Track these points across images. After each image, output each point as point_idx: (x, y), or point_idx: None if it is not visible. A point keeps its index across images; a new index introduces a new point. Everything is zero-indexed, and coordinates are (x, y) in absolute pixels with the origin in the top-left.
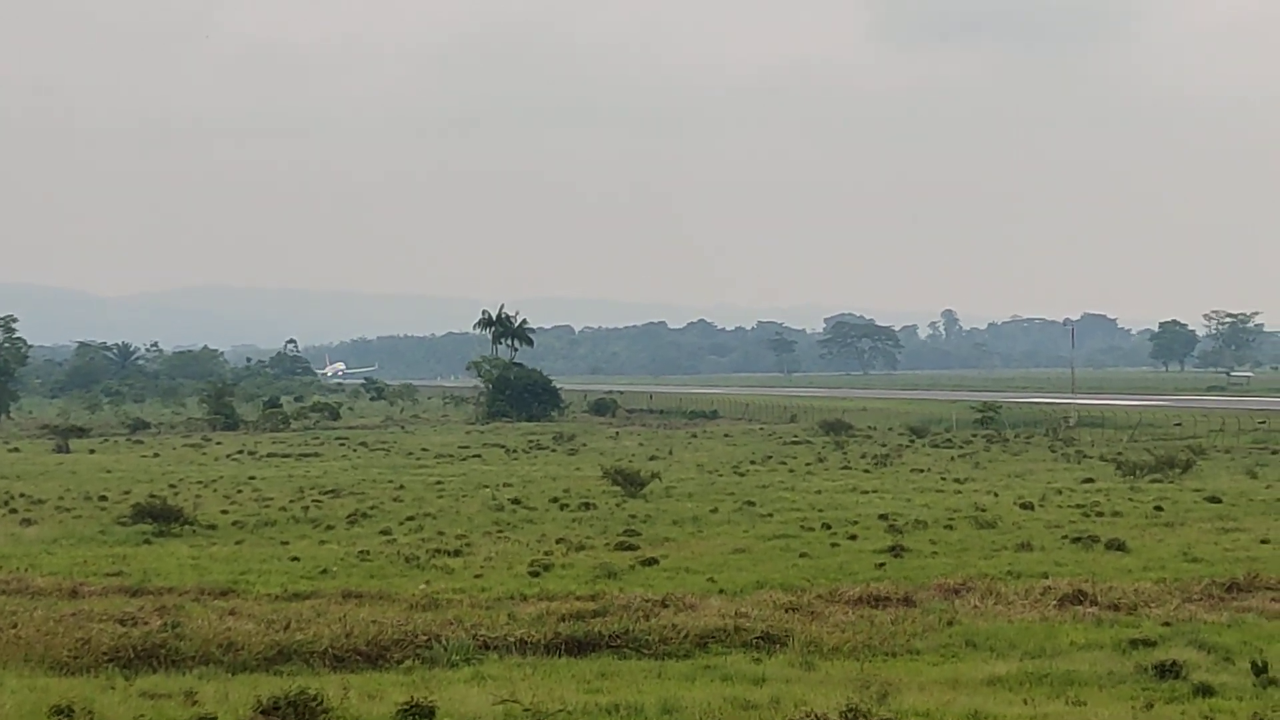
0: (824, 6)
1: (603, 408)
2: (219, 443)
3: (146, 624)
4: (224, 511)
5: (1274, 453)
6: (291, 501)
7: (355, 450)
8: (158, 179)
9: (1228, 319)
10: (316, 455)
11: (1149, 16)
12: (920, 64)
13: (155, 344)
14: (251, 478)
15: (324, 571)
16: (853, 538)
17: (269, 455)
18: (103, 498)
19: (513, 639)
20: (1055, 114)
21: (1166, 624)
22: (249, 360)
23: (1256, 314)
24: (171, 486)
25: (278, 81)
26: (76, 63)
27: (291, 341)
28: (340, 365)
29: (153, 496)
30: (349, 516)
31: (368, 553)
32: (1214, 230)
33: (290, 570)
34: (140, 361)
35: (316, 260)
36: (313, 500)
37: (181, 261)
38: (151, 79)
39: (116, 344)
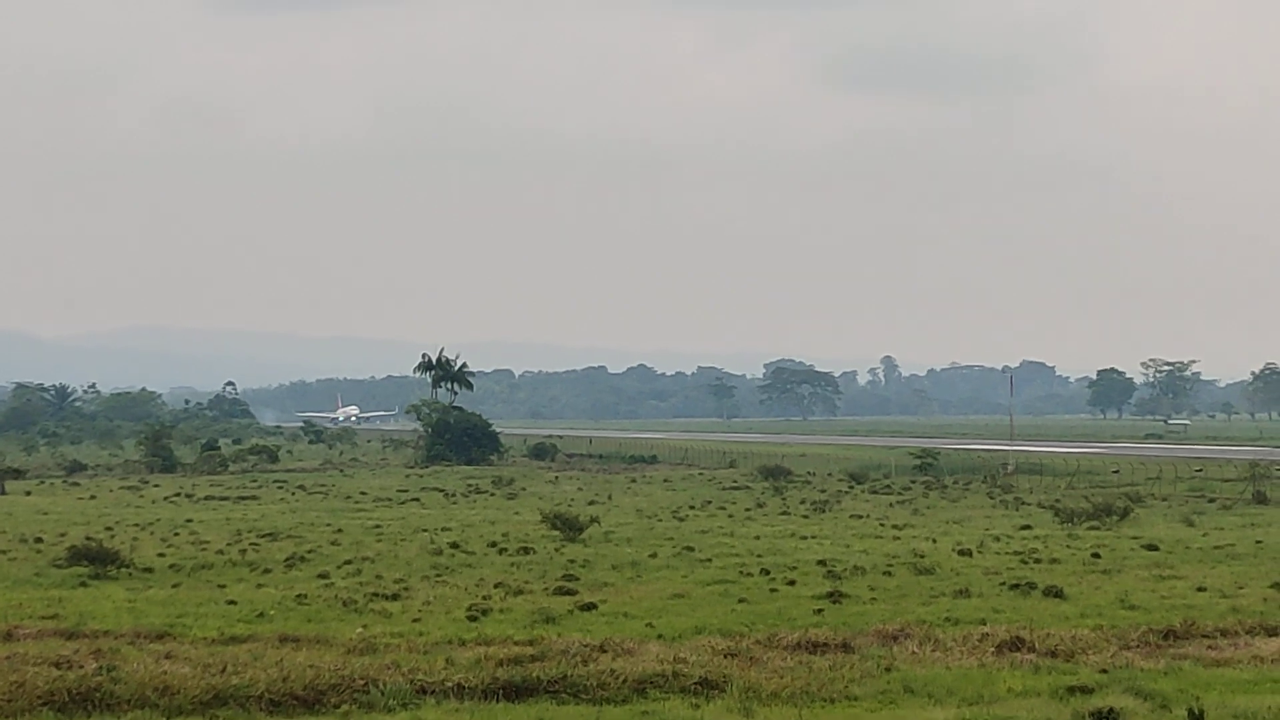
0: (758, 61)
1: (542, 452)
2: (156, 485)
3: (82, 667)
4: (161, 554)
5: (1211, 501)
6: (229, 545)
7: (293, 493)
8: (99, 220)
9: (1165, 367)
10: (254, 498)
11: (1092, 72)
12: (858, 114)
13: (93, 386)
14: (189, 520)
15: (261, 615)
16: (791, 583)
17: (206, 498)
18: (38, 540)
19: (450, 684)
20: (993, 164)
21: (1104, 671)
22: (187, 402)
23: (1193, 363)
24: (108, 529)
25: (213, 122)
26: (6, 101)
27: (230, 384)
28: (354, 409)
29: (89, 539)
30: (286, 560)
31: (305, 596)
32: (1151, 280)
33: (227, 614)
34: (78, 403)
35: (256, 302)
36: (250, 543)
37: (122, 304)
38: (84, 118)
39: (54, 385)
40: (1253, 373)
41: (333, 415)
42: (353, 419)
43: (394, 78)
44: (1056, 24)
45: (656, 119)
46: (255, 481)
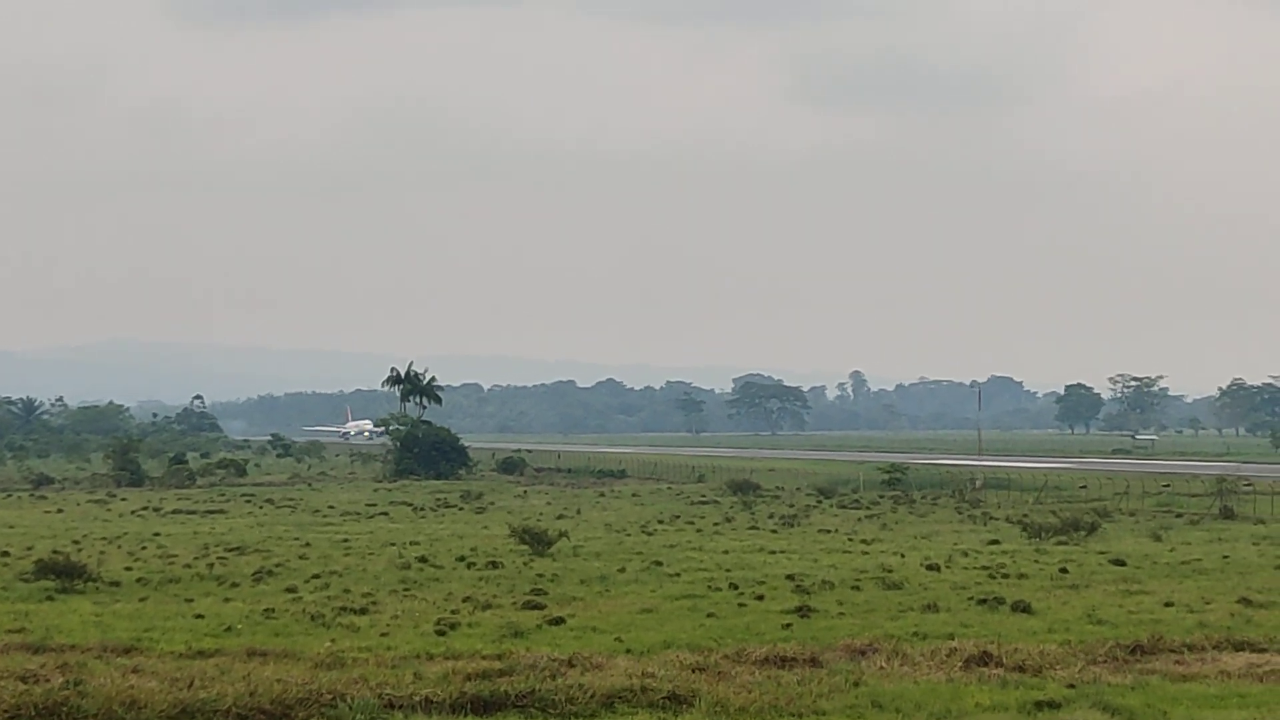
0: (731, 74)
1: (511, 466)
2: (124, 499)
3: (48, 681)
4: (128, 568)
5: (1178, 516)
6: (196, 558)
7: (261, 507)
8: (67, 233)
9: (1132, 383)
10: (222, 512)
11: (1063, 87)
12: (828, 128)
13: (60, 399)
14: (156, 534)
15: (228, 629)
16: (760, 598)
17: (174, 512)
18: (4, 554)
19: (418, 698)
20: (962, 179)
21: (1071, 686)
22: (155, 416)
23: (1161, 378)
24: (75, 543)
25: (182, 135)
26: None
27: (198, 398)
28: (367, 423)
29: (56, 553)
30: (254, 574)
31: (273, 610)
32: (1120, 296)
33: (194, 628)
34: (45, 416)
35: (225, 316)
36: (218, 557)
37: (91, 317)
38: (51, 134)
39: (21, 398)
40: (1220, 388)
41: (342, 430)
42: (365, 434)
43: (364, 92)
44: (1030, 38)
45: (627, 131)
46: (223, 495)
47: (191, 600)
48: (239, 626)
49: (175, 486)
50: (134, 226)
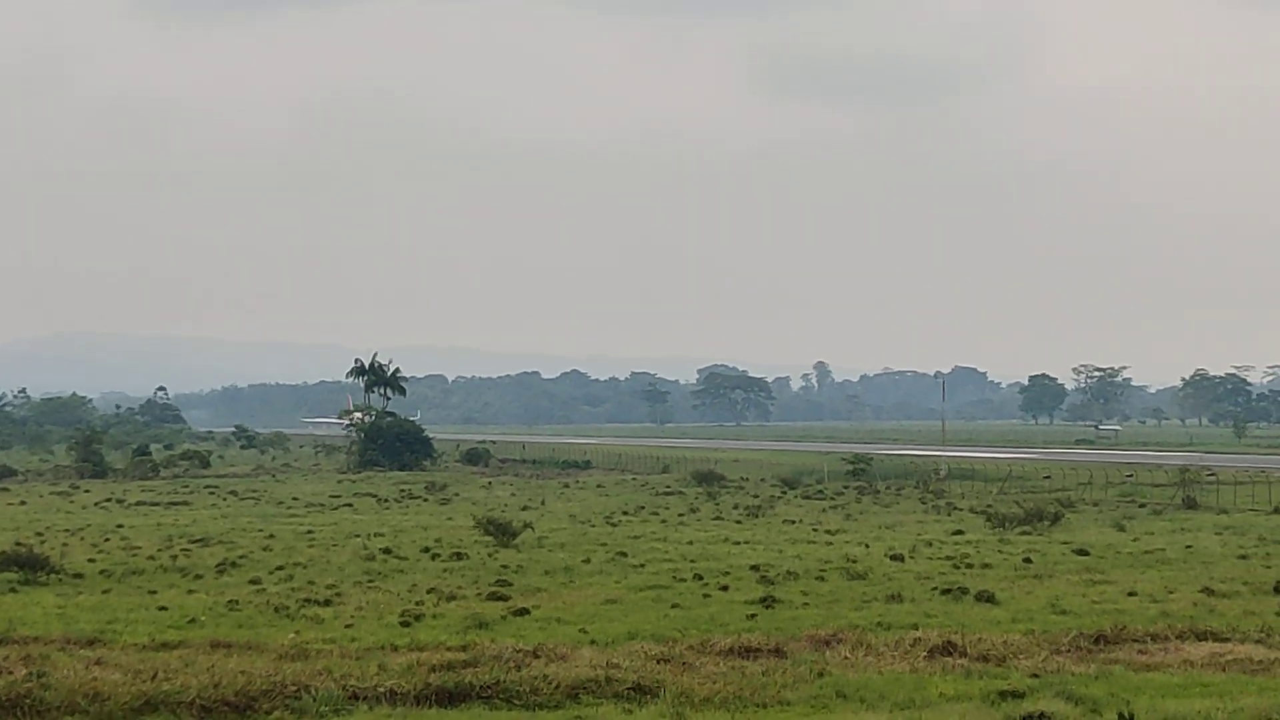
0: (689, 67)
1: (475, 457)
2: (87, 490)
3: (11, 673)
4: (91, 560)
5: (1141, 506)
6: (160, 550)
7: (225, 499)
8: (29, 225)
9: (1096, 373)
10: (186, 504)
11: (1027, 76)
12: (789, 120)
13: (23, 390)
14: (120, 526)
15: (192, 621)
16: (724, 589)
17: (138, 503)
18: None
19: (383, 689)
20: (925, 169)
21: (1035, 675)
22: (118, 407)
23: (1124, 368)
24: (38, 534)
25: (141, 128)
26: None
27: (162, 389)
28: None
29: (19, 544)
30: (218, 565)
31: (237, 602)
32: (1083, 286)
33: (158, 620)
34: (8, 408)
35: (188, 308)
36: (181, 549)
37: (54, 309)
38: (11, 123)
39: None
40: (1183, 378)
41: (345, 420)
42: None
43: (324, 84)
44: (990, 30)
45: (589, 124)
46: (187, 487)
47: (155, 592)
48: (203, 618)
49: (139, 478)
50: (96, 220)
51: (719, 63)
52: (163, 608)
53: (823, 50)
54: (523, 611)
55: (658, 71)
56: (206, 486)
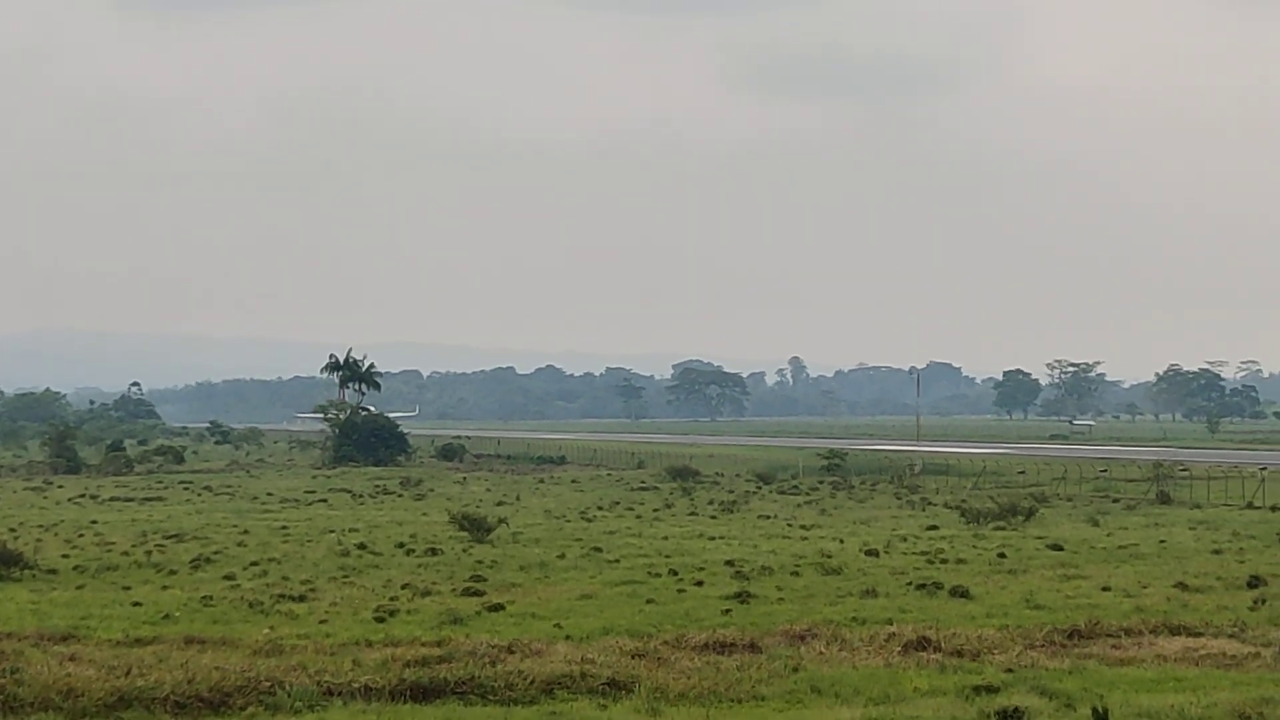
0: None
1: (450, 453)
2: (60, 486)
3: None
4: (65, 556)
5: (1115, 501)
6: (134, 546)
7: (199, 494)
8: (6, 223)
9: (1070, 368)
10: (160, 499)
11: (1004, 73)
12: (766, 117)
13: None
14: (93, 522)
15: (166, 617)
16: (699, 584)
17: (111, 499)
18: None
19: (357, 685)
20: (901, 166)
21: (1009, 670)
22: (92, 403)
23: (1098, 363)
24: (11, 530)
25: (115, 124)
26: None
27: (136, 385)
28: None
29: None
30: (192, 561)
31: (211, 598)
32: (1057, 282)
33: (132, 615)
34: None
35: (161, 303)
36: (156, 545)
37: (28, 305)
38: None
39: None
40: (1156, 374)
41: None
42: None
43: (299, 78)
44: (967, 26)
45: (564, 121)
46: (161, 482)
47: (129, 588)
48: (177, 614)
49: (113, 474)
50: (69, 215)
51: (697, 61)
52: (137, 603)
53: (801, 48)
54: (497, 607)
55: (639, 70)
56: (181, 482)
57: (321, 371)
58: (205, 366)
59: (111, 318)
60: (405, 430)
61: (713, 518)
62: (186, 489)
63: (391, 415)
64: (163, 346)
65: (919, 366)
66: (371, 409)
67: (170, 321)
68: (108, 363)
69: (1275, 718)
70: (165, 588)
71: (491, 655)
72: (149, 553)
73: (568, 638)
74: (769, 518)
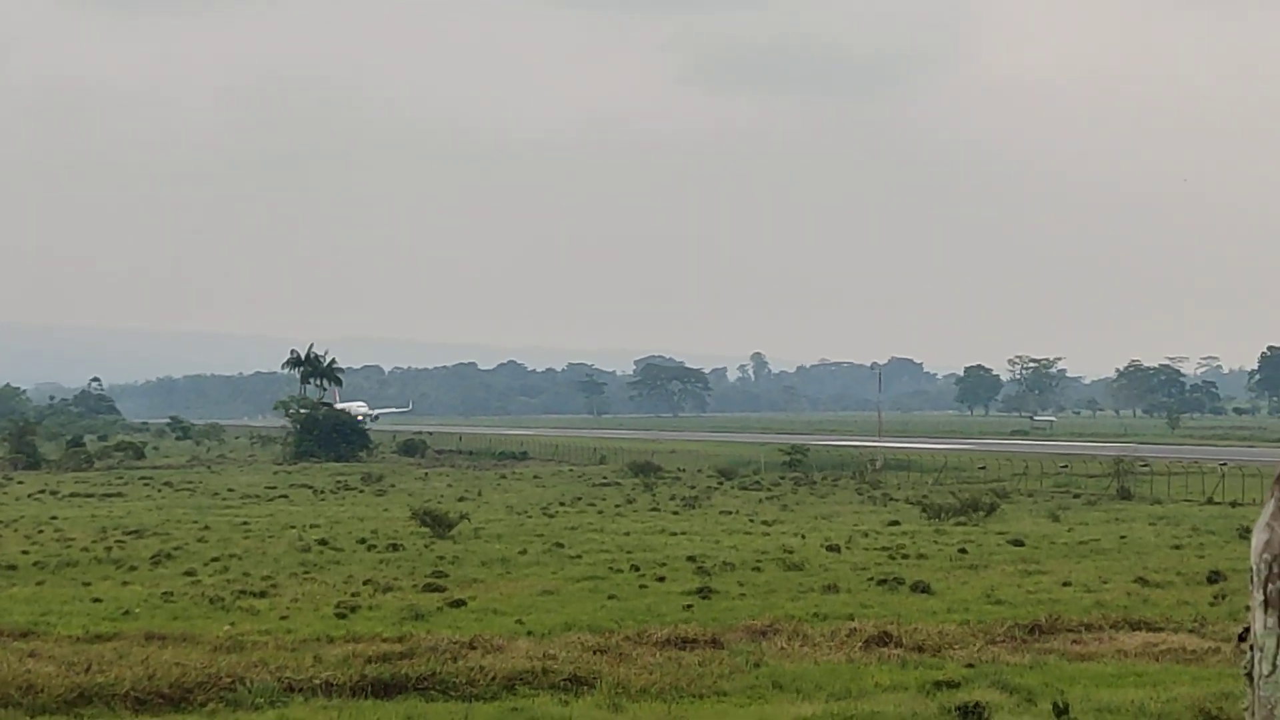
0: (626, 58)
1: (412, 448)
2: (20, 482)
3: None
4: (24, 552)
5: (1076, 496)
6: (94, 542)
7: (160, 490)
8: None
9: (1031, 364)
10: (120, 495)
11: (968, 65)
12: (724, 112)
13: None
14: (53, 517)
15: (126, 613)
16: (661, 579)
17: (71, 495)
18: None
19: (318, 681)
20: (862, 161)
21: (970, 665)
22: (52, 398)
23: (1059, 359)
24: None
25: (75, 120)
26: None
27: (96, 380)
28: (361, 405)
29: None
30: (153, 557)
31: (171, 594)
32: (1018, 277)
33: (92, 611)
34: None
35: (122, 299)
36: (116, 541)
37: None
38: None
39: None
40: (1117, 369)
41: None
42: (360, 418)
43: (257, 69)
44: (931, 18)
45: (521, 115)
46: (121, 478)
47: (89, 584)
48: (137, 610)
49: (73, 469)
50: (26, 210)
51: (657, 55)
52: (97, 599)
53: (760, 41)
54: (459, 603)
55: (600, 64)
56: (141, 478)
57: (283, 367)
58: (165, 361)
59: (70, 312)
60: (369, 426)
61: (674, 513)
62: (147, 485)
63: (385, 412)
64: (122, 341)
65: (880, 362)
66: (364, 405)
67: (130, 316)
68: (67, 358)
69: (1235, 712)
70: (125, 584)
71: (453, 651)
72: (109, 549)
73: (529, 633)
74: (731, 513)
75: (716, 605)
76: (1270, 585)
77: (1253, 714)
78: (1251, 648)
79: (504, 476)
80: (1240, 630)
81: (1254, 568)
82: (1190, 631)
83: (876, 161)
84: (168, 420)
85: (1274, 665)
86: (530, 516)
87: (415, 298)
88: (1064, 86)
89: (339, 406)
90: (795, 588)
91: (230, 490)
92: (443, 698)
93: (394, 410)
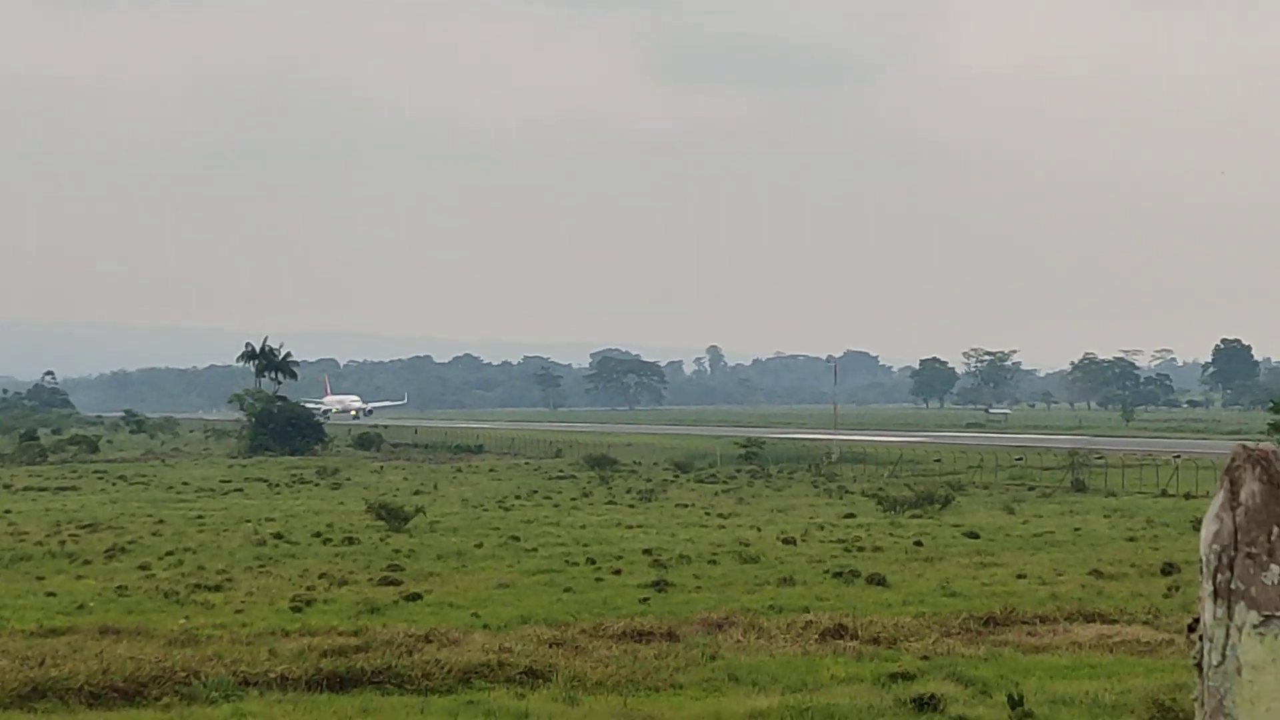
0: (585, 51)
1: (367, 442)
2: None
3: None
4: None
5: (1031, 489)
6: (48, 536)
7: (114, 484)
8: None
9: (986, 357)
10: (74, 489)
11: (926, 61)
12: (684, 106)
13: None
14: (6, 511)
15: (81, 607)
16: (617, 572)
17: (25, 489)
18: None
19: (274, 675)
20: (818, 155)
21: (925, 658)
22: (5, 392)
23: (1013, 352)
24: None
25: (29, 113)
26: None
27: (50, 373)
28: (354, 399)
29: None
30: (107, 551)
31: (126, 588)
32: (973, 270)
33: (46, 605)
34: None
35: (75, 292)
36: (70, 534)
37: None
38: None
39: None
40: (1072, 362)
41: (322, 407)
42: (352, 412)
43: (211, 70)
44: (893, 13)
45: (480, 108)
46: (75, 472)
47: (43, 578)
48: (91, 604)
49: (26, 463)
50: None
51: (617, 50)
52: (51, 593)
53: (722, 35)
54: (415, 596)
55: (558, 58)
56: (95, 471)
57: (238, 360)
58: (119, 354)
59: (23, 305)
60: (362, 421)
61: (630, 506)
62: (101, 478)
63: (380, 406)
64: (76, 334)
65: (836, 355)
66: (358, 399)
67: (84, 309)
68: (20, 351)
69: (1189, 704)
70: (80, 578)
71: (408, 644)
72: (63, 542)
73: (485, 627)
74: (687, 506)
75: (672, 598)
76: (1219, 576)
77: (1202, 704)
78: (1201, 638)
79: (459, 470)
80: (1190, 621)
81: (1203, 559)
82: (1144, 623)
83: (833, 156)
84: (122, 414)
85: (1223, 655)
86: (486, 510)
87: (372, 292)
88: (1023, 81)
89: (331, 400)
90: (751, 581)
91: (185, 484)
92: (398, 691)
93: (389, 404)
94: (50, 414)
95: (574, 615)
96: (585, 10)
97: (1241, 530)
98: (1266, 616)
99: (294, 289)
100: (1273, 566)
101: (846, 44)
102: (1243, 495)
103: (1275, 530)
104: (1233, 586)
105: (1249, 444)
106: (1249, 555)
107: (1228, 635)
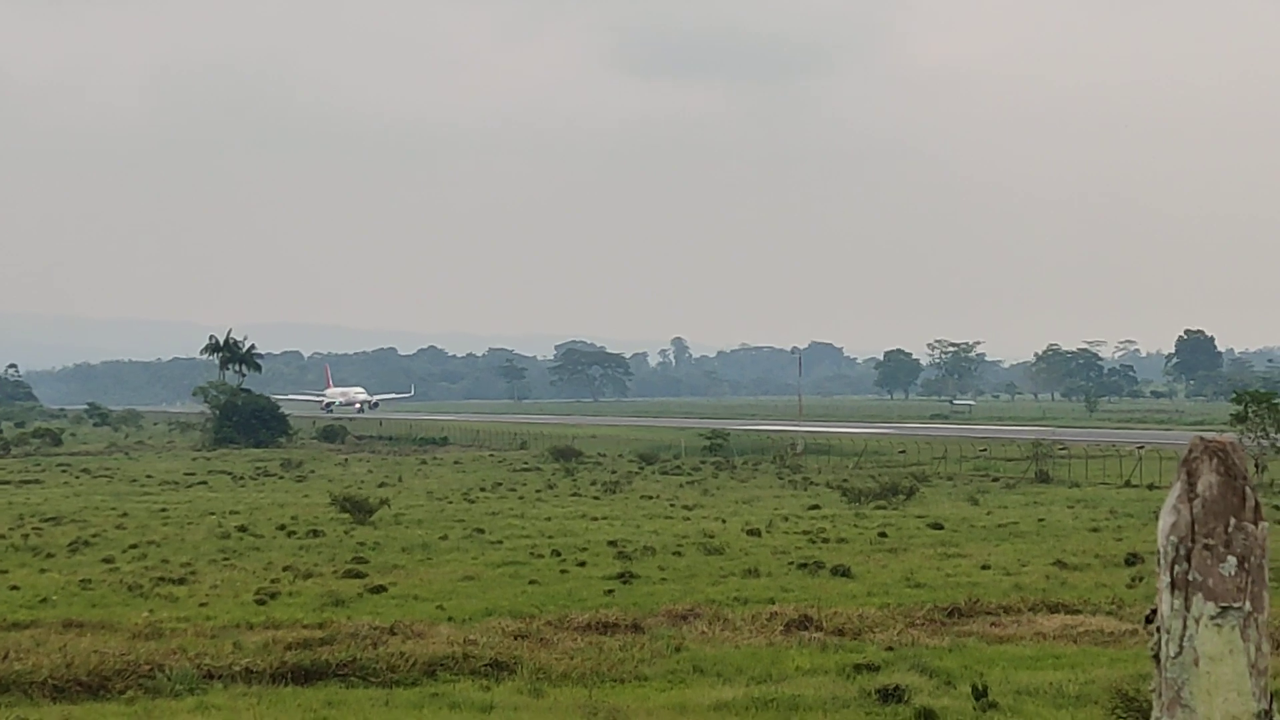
0: (548, 45)
1: (332, 434)
2: None
3: None
4: None
5: (995, 480)
6: (11, 529)
7: (78, 477)
8: None
9: (950, 348)
10: (37, 482)
11: (887, 55)
12: (648, 99)
13: None
14: None
15: (44, 600)
16: (582, 564)
17: None
18: None
19: (238, 668)
20: (782, 148)
21: (890, 649)
22: None
23: (978, 344)
24: None
25: None
26: None
27: (13, 366)
28: (359, 391)
29: None
30: (70, 544)
31: (89, 581)
32: (937, 262)
33: (9, 599)
34: None
35: (37, 284)
36: (33, 528)
37: None
38: None
39: None
40: (1036, 354)
41: (325, 400)
42: (356, 405)
43: (178, 56)
44: (855, 8)
45: (446, 102)
46: (38, 465)
47: (6, 572)
48: (55, 598)
49: None
50: None
51: (578, 40)
52: (14, 587)
53: (692, 30)
54: (379, 589)
55: (524, 51)
56: (59, 464)
57: (202, 353)
58: (83, 347)
59: None
60: (367, 414)
61: (595, 498)
62: (64, 471)
63: (386, 398)
64: (40, 327)
65: (801, 347)
66: (362, 390)
67: (46, 302)
68: None
69: (1152, 693)
70: (43, 571)
71: (373, 637)
72: (26, 536)
73: (450, 619)
74: (651, 498)
75: (637, 590)
76: (1176, 567)
77: (1160, 695)
78: (1159, 630)
79: (424, 462)
80: (1148, 612)
81: (1161, 550)
82: (1108, 614)
83: (797, 149)
84: (85, 406)
85: (1180, 647)
86: (451, 502)
87: (335, 283)
88: (989, 76)
89: (334, 392)
90: (716, 572)
91: (149, 477)
92: (363, 684)
93: (395, 396)
94: (13, 407)
95: (539, 607)
96: (551, 5)
97: (1199, 522)
98: (1223, 608)
99: (259, 282)
100: (1229, 558)
101: (811, 38)
102: (1200, 487)
103: (1232, 522)
104: (1190, 578)
105: (1206, 436)
106: (1206, 547)
107: (1185, 627)
